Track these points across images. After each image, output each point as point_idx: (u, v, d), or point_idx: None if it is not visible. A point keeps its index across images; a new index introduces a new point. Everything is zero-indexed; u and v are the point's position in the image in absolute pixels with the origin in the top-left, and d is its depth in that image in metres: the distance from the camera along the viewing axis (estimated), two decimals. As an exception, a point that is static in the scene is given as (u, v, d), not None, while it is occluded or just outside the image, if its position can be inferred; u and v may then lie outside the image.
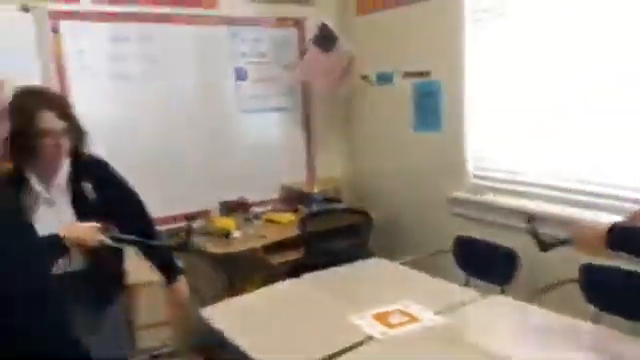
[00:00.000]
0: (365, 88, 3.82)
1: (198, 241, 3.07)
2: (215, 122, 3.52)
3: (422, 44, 3.35)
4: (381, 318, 2.04)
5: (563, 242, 1.80)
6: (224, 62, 3.53)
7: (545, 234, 1.92)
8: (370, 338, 1.91)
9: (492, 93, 3.05)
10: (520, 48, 2.83)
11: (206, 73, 3.46)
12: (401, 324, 2.00)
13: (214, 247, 3.03)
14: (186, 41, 3.36)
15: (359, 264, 2.69)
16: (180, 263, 2.85)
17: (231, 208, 3.43)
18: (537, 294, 2.37)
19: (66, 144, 1.79)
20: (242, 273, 3.20)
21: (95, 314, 1.86)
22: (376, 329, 1.96)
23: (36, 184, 1.77)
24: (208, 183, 3.46)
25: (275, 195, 3.75)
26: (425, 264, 2.80)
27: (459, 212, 3.24)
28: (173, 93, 3.34)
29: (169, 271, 2.07)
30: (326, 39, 3.58)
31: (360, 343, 1.87)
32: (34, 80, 2.77)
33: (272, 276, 2.85)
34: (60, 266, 1.59)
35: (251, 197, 3.57)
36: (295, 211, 3.53)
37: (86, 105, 2.99)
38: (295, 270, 2.69)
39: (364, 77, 3.78)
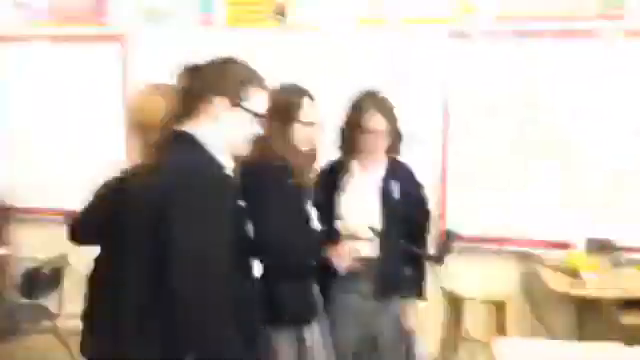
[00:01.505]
0: None
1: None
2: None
3: None
4: None
5: None
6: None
7: None
8: None
9: None
10: None
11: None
12: None
13: (555, 283, 2.73)
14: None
15: None
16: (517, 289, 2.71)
17: (598, 246, 2.97)
18: None
19: (385, 142, 2.01)
20: (582, 320, 2.74)
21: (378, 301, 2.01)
22: None
23: (357, 170, 2.06)
24: (577, 211, 3.08)
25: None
26: None
27: None
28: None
29: (417, 285, 2.06)
30: None
31: None
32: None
33: (617, 335, 2.35)
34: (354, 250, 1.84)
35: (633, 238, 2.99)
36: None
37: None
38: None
39: None
